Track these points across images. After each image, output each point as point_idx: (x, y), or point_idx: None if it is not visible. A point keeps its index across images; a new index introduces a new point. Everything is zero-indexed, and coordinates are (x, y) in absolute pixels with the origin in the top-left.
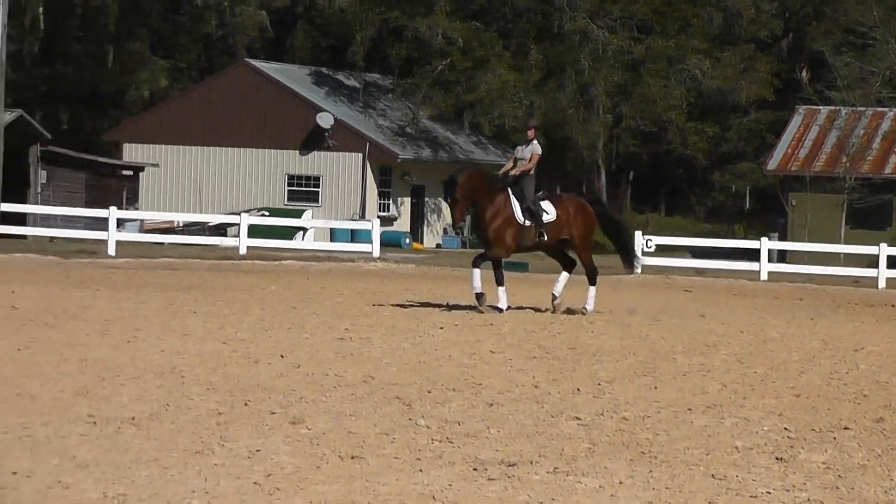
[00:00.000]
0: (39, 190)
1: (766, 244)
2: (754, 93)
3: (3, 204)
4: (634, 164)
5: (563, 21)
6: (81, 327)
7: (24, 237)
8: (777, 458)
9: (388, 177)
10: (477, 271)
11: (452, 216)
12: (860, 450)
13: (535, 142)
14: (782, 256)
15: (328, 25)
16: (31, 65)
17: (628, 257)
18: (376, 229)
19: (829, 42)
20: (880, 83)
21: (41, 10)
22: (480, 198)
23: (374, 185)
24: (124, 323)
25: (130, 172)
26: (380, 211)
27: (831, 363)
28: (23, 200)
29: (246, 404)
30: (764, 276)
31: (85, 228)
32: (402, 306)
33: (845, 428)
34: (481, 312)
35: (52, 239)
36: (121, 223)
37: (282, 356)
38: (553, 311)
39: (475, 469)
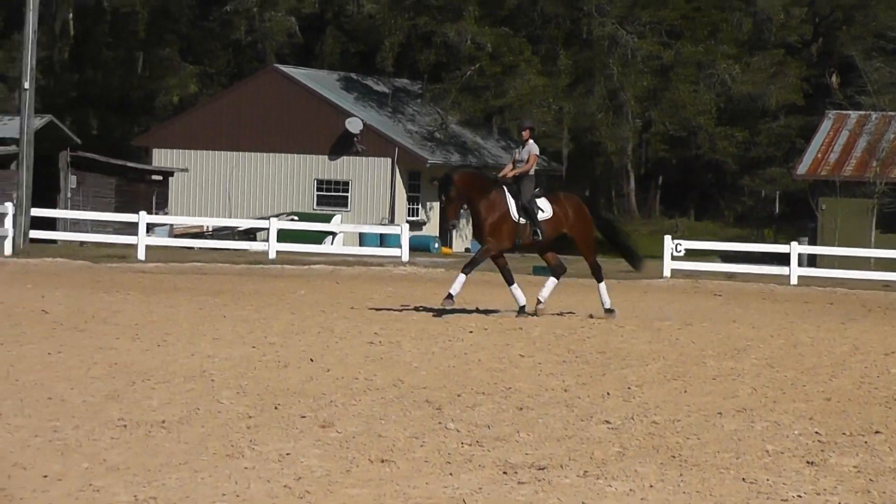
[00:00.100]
0: (69, 195)
1: (795, 248)
2: (784, 98)
3: (33, 209)
4: (664, 169)
5: (591, 26)
6: (111, 331)
7: (54, 242)
8: (808, 462)
9: (417, 181)
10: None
11: (446, 215)
12: (891, 453)
13: (532, 142)
14: (812, 261)
15: (357, 31)
16: (61, 70)
17: (633, 256)
18: (405, 234)
19: (859, 47)
20: None
21: (71, 16)
22: (475, 196)
23: (403, 190)
24: (154, 327)
25: (160, 177)
26: (408, 215)
27: (862, 367)
28: (53, 205)
29: (276, 408)
30: (794, 281)
31: (115, 233)
32: (432, 310)
33: (876, 432)
34: (438, 313)
35: (82, 243)
36: (150, 228)
37: (311, 360)
38: (535, 315)
39: (505, 472)
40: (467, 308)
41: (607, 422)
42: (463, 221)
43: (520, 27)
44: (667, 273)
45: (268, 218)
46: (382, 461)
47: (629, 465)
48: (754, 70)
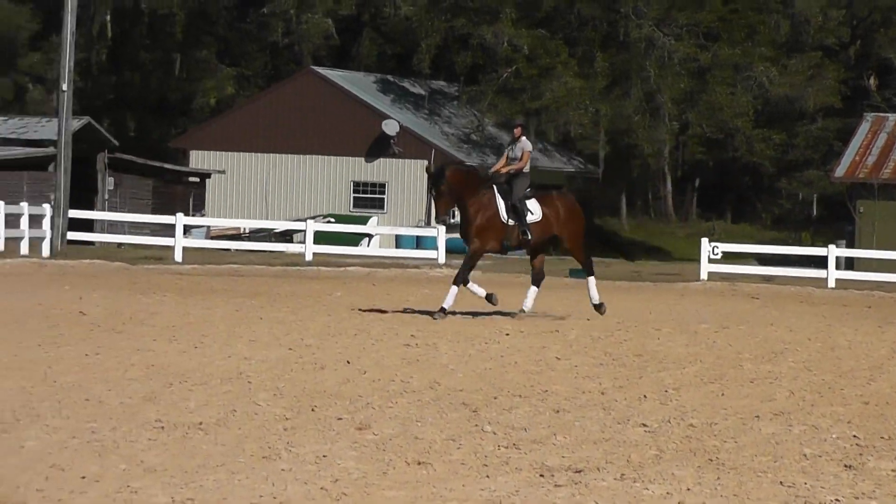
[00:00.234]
0: (107, 196)
1: (833, 251)
2: (821, 100)
3: (71, 210)
4: (701, 172)
5: (628, 28)
6: (149, 333)
7: (91, 243)
8: (846, 466)
9: None
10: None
11: (436, 209)
12: None
13: (524, 139)
14: (850, 264)
15: (394, 33)
16: (98, 72)
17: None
18: (442, 236)
19: None
20: None
21: (109, 17)
22: (466, 194)
23: None
24: (191, 329)
25: (197, 179)
26: None
27: None
28: (91, 207)
29: (312, 410)
30: (831, 284)
31: (152, 235)
32: (468, 313)
33: None
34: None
35: (119, 245)
36: (187, 229)
37: (348, 362)
38: (599, 306)
39: (542, 475)
40: (497, 309)
41: (644, 425)
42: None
43: (557, 29)
44: (704, 276)
45: (304, 220)
46: (419, 463)
47: (666, 468)
48: (792, 72)
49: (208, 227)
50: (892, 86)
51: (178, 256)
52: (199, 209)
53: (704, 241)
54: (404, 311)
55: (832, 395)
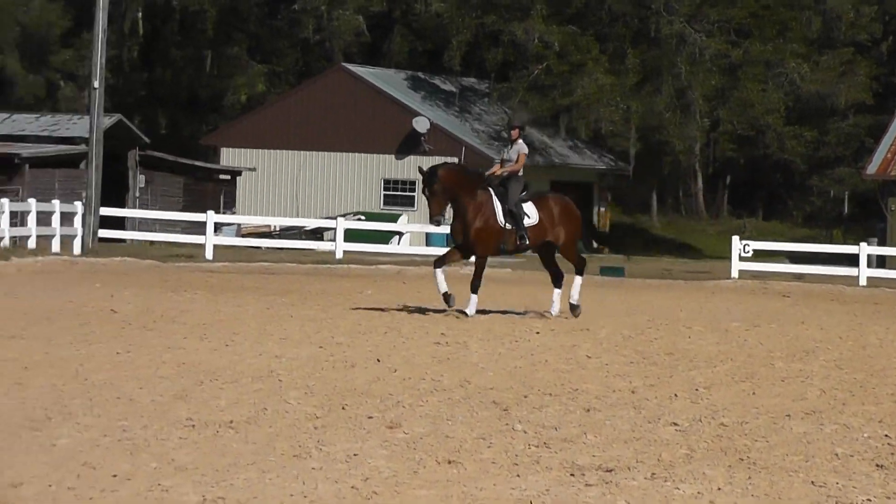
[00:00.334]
0: (138, 194)
1: (865, 249)
2: (853, 97)
3: (102, 208)
4: (731, 169)
5: (660, 25)
6: (180, 331)
7: (122, 241)
8: (878, 466)
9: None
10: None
11: (430, 209)
12: None
13: (521, 142)
14: (881, 262)
15: (425, 30)
16: (130, 70)
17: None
18: None
19: None
20: None
21: (140, 14)
22: (462, 195)
23: None
24: (222, 327)
25: (228, 177)
26: None
27: None
28: (122, 204)
29: (343, 408)
30: (863, 282)
31: (182, 232)
32: (498, 311)
33: None
34: (451, 311)
35: (151, 243)
36: (218, 227)
37: (378, 360)
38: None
39: (572, 474)
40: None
41: (675, 423)
42: None
43: (587, 26)
44: (735, 274)
45: (335, 217)
46: (449, 462)
47: (697, 467)
48: (823, 69)
49: (239, 224)
50: None
51: (209, 254)
52: (229, 207)
53: (735, 238)
54: (434, 309)
55: (864, 394)
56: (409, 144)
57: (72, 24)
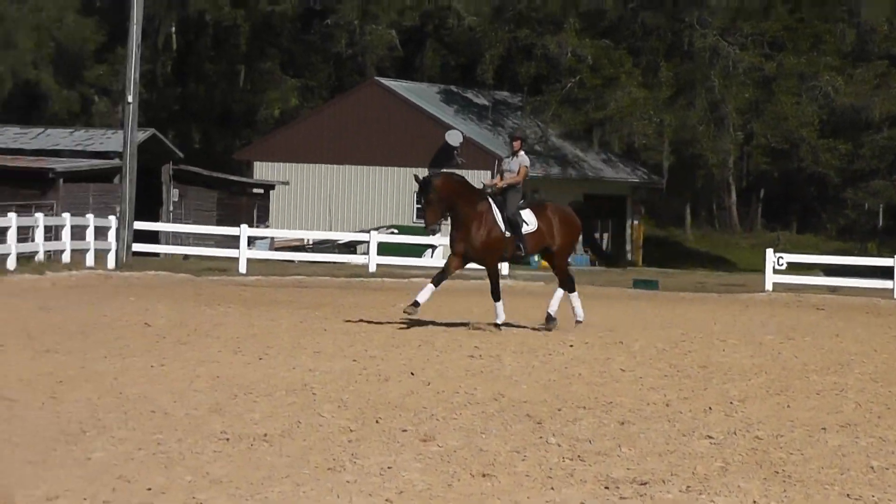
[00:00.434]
0: (172, 208)
1: None
2: (888, 109)
3: (136, 222)
4: (765, 182)
5: (693, 38)
6: (213, 345)
7: (156, 255)
8: None
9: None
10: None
11: (425, 218)
12: None
13: (523, 153)
14: None
15: (457, 44)
16: (163, 84)
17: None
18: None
19: None
20: None
21: (174, 29)
22: (460, 204)
23: None
24: (256, 340)
25: (261, 191)
26: None
27: None
28: (155, 218)
29: (377, 421)
30: None
31: (216, 246)
32: (531, 326)
33: None
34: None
35: (186, 257)
36: (252, 241)
37: (412, 374)
38: (580, 322)
39: (607, 487)
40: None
41: (709, 437)
42: None
43: (621, 39)
44: (769, 286)
45: (368, 231)
46: (484, 475)
47: (732, 480)
48: (857, 82)
49: (272, 238)
50: None
51: (243, 268)
52: (263, 221)
53: (769, 251)
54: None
55: None
56: (442, 158)
57: (106, 39)
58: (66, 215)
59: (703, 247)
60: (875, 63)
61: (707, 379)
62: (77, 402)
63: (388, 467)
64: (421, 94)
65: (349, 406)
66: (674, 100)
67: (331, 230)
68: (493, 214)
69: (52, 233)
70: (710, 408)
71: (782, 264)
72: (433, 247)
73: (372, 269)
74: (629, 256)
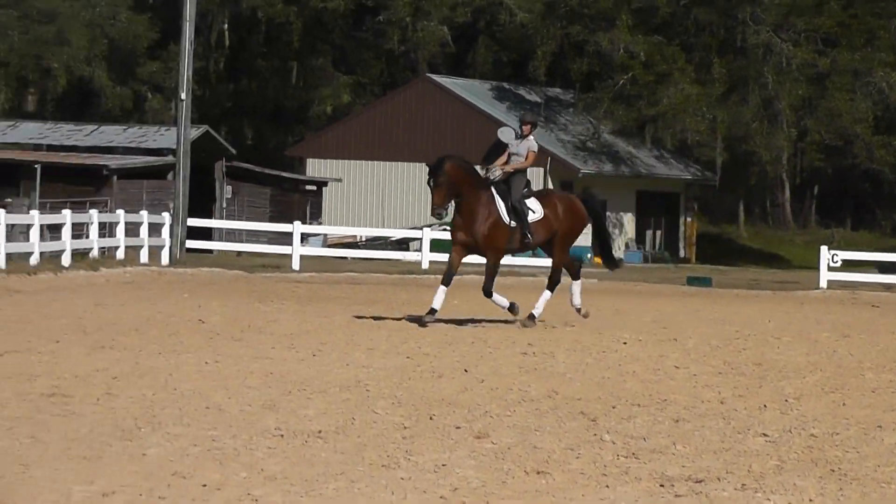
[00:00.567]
0: (225, 205)
1: None
2: None
3: (189, 219)
4: (819, 179)
5: (746, 35)
6: (267, 341)
7: (210, 252)
8: None
9: (570, 191)
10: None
11: (433, 200)
12: None
13: (532, 138)
14: None
15: (509, 40)
16: (216, 81)
17: (610, 258)
18: None
19: None
20: None
21: (226, 26)
22: (466, 191)
23: None
24: (309, 337)
25: (314, 187)
26: None
27: None
28: (209, 215)
29: (431, 418)
30: None
31: (269, 243)
32: (585, 322)
33: None
34: (424, 324)
35: (239, 253)
36: (305, 238)
37: (466, 370)
38: (586, 317)
39: (662, 485)
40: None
41: (765, 434)
42: (616, 231)
43: (673, 35)
44: (823, 284)
45: (420, 228)
46: (538, 473)
47: (788, 478)
48: None
49: (325, 235)
50: None
51: (296, 264)
52: (316, 217)
53: (823, 248)
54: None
55: None
56: (494, 154)
57: (159, 36)
58: (120, 212)
59: (756, 244)
60: None
61: (762, 376)
62: (132, 398)
63: (443, 464)
64: (473, 91)
65: (403, 403)
66: (727, 96)
67: (383, 227)
68: (496, 204)
69: (107, 229)
70: (764, 405)
71: (837, 261)
72: None
73: (425, 265)
74: (682, 253)
